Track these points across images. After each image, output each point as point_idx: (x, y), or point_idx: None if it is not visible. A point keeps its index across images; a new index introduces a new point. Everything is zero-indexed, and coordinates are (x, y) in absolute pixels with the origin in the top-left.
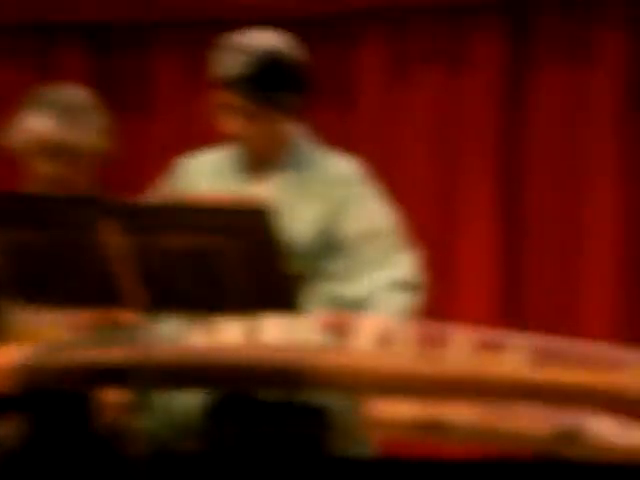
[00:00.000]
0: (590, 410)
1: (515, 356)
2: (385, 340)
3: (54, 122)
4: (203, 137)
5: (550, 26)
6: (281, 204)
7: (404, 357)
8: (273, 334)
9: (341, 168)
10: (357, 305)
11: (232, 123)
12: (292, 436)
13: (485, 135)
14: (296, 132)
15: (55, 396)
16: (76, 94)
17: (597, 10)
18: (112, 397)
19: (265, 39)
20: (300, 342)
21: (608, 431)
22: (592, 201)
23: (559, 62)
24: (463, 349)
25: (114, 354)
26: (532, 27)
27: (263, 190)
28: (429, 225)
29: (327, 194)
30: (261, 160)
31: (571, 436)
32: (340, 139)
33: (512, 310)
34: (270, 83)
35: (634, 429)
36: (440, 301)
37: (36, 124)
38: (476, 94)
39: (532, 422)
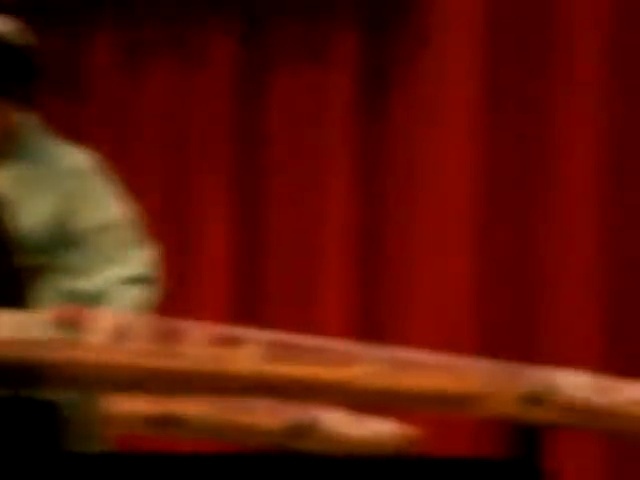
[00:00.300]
0: (323, 404)
1: (250, 351)
2: (120, 335)
3: None
4: None
5: (284, 26)
6: (12, 197)
7: (139, 352)
8: (3, 330)
9: (75, 160)
10: (92, 300)
11: None
12: (24, 432)
13: (219, 134)
14: (27, 123)
15: None
16: None
17: (329, 11)
18: None
19: None
20: (32, 338)
21: (340, 424)
22: (328, 200)
23: (293, 62)
24: (199, 344)
25: None
26: (266, 26)
27: None
28: (163, 220)
29: (60, 186)
30: None
31: (305, 429)
32: (73, 130)
33: (248, 310)
34: None
35: (365, 421)
36: (178, 297)
37: None
38: (210, 91)
39: (266, 416)
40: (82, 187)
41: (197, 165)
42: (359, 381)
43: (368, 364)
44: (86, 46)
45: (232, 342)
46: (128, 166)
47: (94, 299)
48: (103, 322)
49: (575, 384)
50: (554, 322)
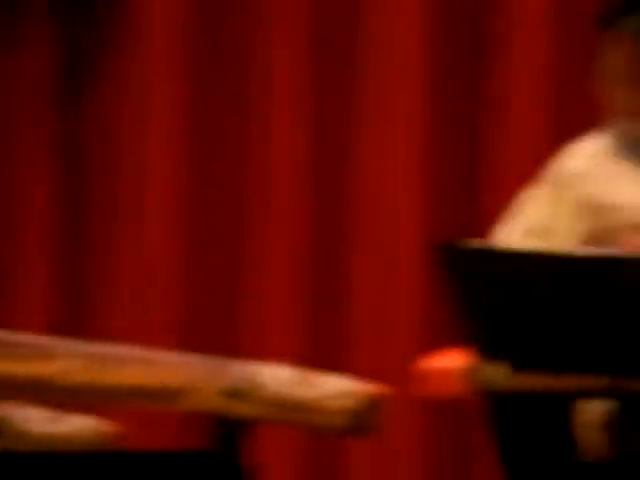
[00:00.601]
0: (20, 401)
1: None
2: None
3: None
4: None
5: None
6: None
7: None
8: None
9: None
10: None
11: None
12: None
13: None
14: None
15: None
16: None
17: None
18: None
19: None
20: None
21: (35, 421)
22: (27, 193)
23: None
24: None
25: None
26: None
27: None
28: None
29: None
30: None
31: None
32: None
33: None
34: None
35: (64, 418)
36: None
37: None
38: None
39: None
40: None
41: None
42: (58, 377)
43: (68, 359)
44: None
45: None
46: None
47: None
48: None
49: (277, 378)
50: (257, 315)
